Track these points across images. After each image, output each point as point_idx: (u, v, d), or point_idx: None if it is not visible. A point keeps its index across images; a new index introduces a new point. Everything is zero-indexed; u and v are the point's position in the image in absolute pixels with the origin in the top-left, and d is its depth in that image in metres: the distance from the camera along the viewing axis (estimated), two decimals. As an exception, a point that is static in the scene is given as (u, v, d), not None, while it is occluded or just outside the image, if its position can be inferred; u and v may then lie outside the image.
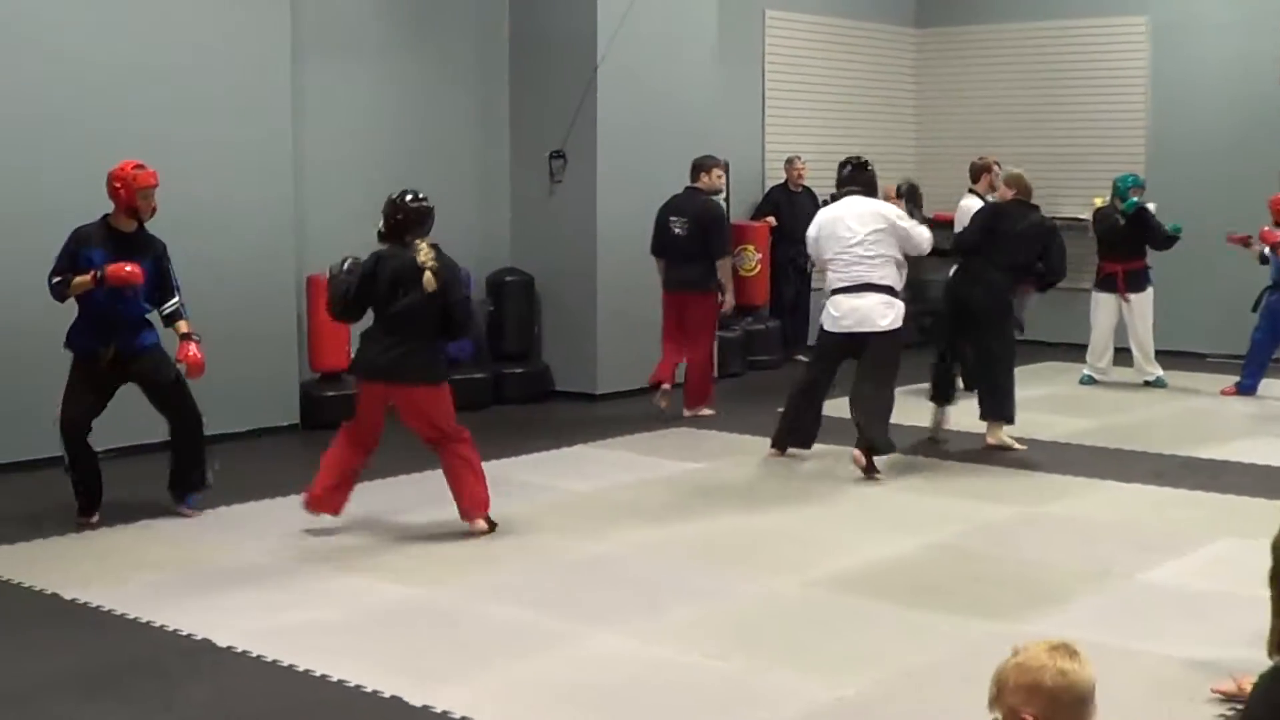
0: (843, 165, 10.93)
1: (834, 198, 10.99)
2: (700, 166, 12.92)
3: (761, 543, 8.70)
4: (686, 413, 12.84)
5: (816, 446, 11.15)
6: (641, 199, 13.74)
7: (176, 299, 9.13)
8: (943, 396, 11.52)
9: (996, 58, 18.17)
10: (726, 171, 13.85)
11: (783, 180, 16.48)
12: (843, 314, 10.39)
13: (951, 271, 11.87)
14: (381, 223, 9.09)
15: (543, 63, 13.83)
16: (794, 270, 16.28)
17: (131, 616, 7.20)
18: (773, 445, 11.08)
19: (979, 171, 14.33)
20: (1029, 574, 8.00)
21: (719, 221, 12.97)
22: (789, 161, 16.40)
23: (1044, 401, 13.32)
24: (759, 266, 15.91)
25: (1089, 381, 14.51)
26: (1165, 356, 14.68)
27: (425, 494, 9.74)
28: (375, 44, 13.04)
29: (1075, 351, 15.36)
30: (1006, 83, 18.04)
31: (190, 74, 11.41)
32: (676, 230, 12.75)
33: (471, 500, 8.85)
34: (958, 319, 11.31)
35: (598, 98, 13.55)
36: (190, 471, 9.27)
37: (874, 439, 10.34)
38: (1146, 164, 16.63)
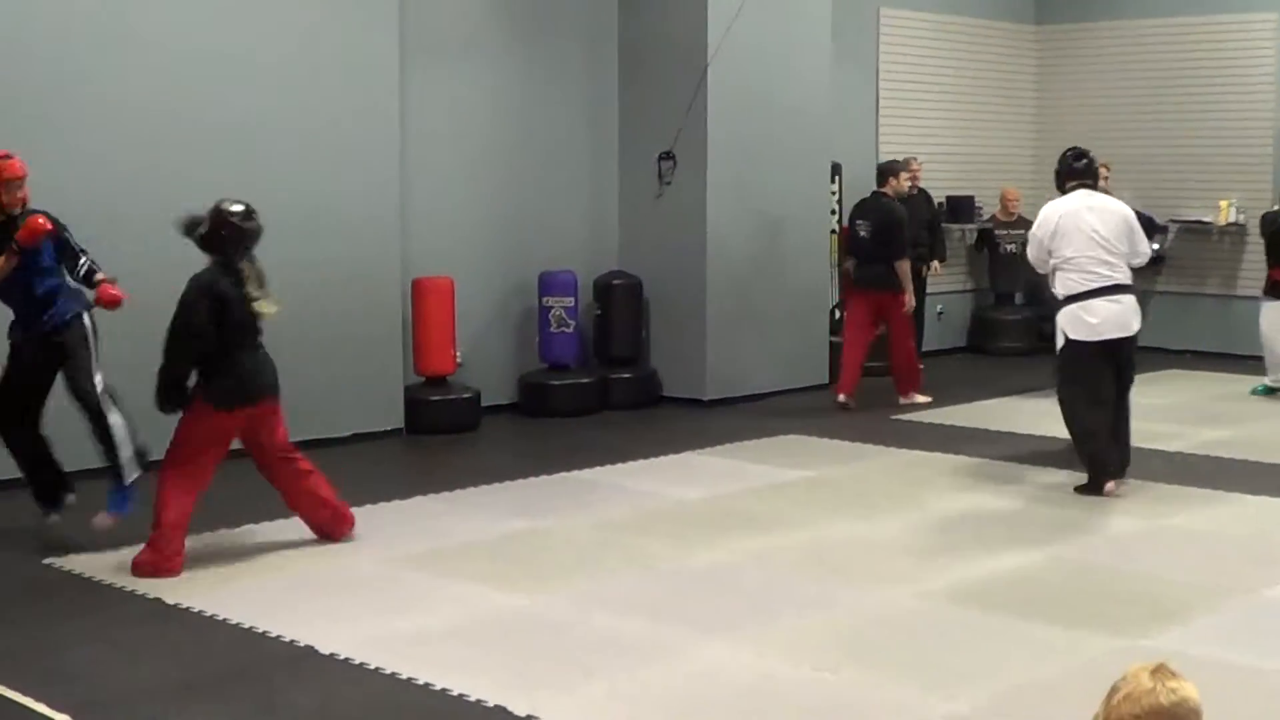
0: (1077, 157, 10.31)
1: (1065, 190, 10.27)
2: (887, 171, 13.93)
3: (874, 552, 8.63)
4: (902, 400, 13.67)
5: (919, 453, 11.23)
6: (751, 201, 13.84)
7: (85, 259, 8.69)
8: None
9: (1119, 55, 17.91)
10: (839, 174, 13.82)
11: None
12: (1101, 320, 9.76)
13: None
14: (204, 227, 8.29)
15: (652, 64, 13.83)
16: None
17: (234, 622, 7.24)
18: (1105, 477, 9.95)
19: None
20: (1150, 588, 7.86)
21: (899, 225, 13.59)
22: (905, 163, 16.12)
23: (1171, 411, 13.12)
24: None
25: (1265, 392, 13.88)
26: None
27: (524, 501, 9.82)
28: (484, 45, 13.08)
29: (1203, 360, 15.16)
30: (1129, 81, 17.78)
31: (299, 73, 11.53)
32: (861, 233, 13.61)
33: (343, 507, 8.86)
34: None
35: (708, 99, 13.51)
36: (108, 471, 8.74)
37: (1126, 459, 10.16)
38: (1274, 166, 16.39)
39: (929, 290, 16.44)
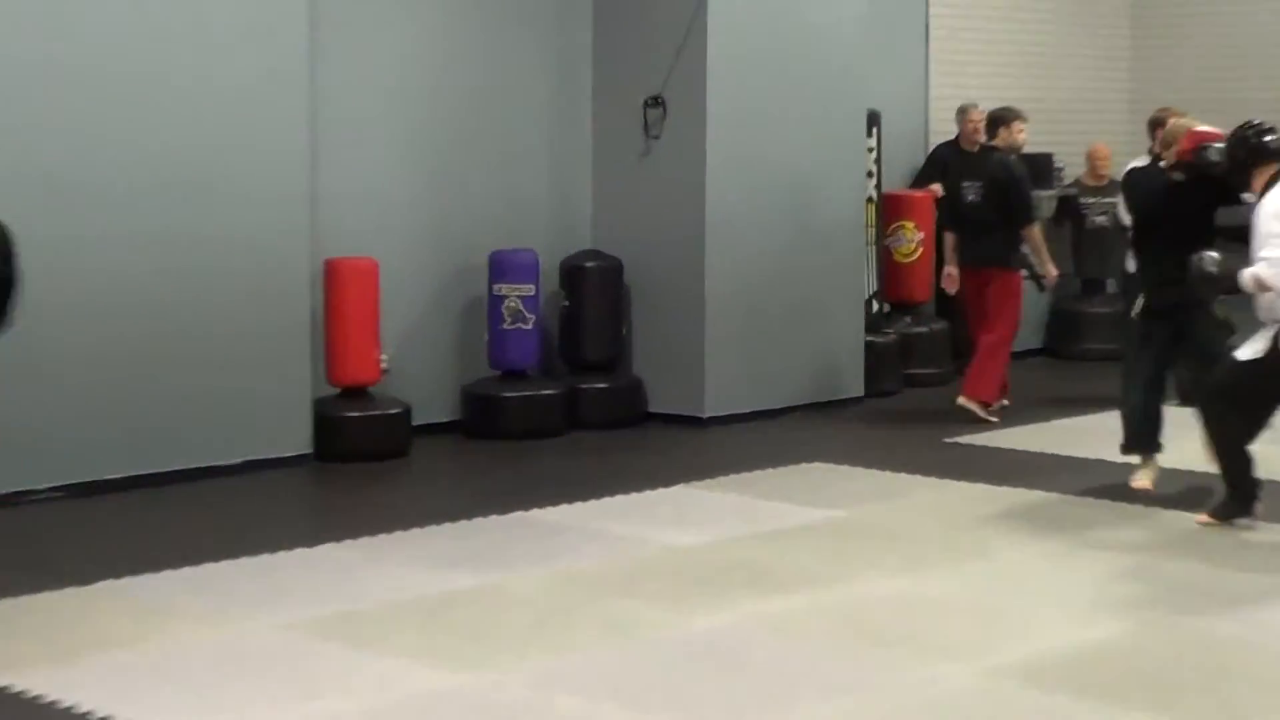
0: (1276, 136, 10.16)
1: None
2: (999, 120, 14.24)
3: (925, 618, 8.56)
4: (961, 401, 13.84)
5: (980, 486, 11.48)
6: (764, 159, 13.93)
7: None
8: None
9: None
10: (878, 125, 13.87)
11: (953, 136, 16.44)
12: None
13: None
14: None
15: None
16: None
17: (84, 710, 7.10)
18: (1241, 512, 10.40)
19: None
20: (1252, 667, 7.81)
21: (1019, 182, 14.12)
22: (962, 111, 16.33)
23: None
24: (920, 249, 15.96)
25: None
26: None
27: (468, 550, 9.85)
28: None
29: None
30: (1252, 14, 17.93)
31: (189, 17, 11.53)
32: (970, 197, 13.92)
33: None
34: None
35: (708, 28, 13.54)
36: None
37: None
38: None
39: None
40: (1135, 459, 11.37)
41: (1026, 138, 14.55)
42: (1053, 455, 12.63)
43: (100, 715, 7.02)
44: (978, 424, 13.69)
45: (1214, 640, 8.17)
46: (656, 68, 13.71)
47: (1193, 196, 10.82)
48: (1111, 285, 17.61)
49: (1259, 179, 9.96)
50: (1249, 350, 9.95)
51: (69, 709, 7.11)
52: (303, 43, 12.07)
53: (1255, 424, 10.20)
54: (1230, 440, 10.21)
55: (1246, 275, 9.66)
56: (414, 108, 13.13)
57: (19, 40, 10.78)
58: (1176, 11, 18.38)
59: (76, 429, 10.85)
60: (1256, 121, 10.20)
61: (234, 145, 11.69)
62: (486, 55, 13.51)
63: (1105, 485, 11.47)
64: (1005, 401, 14.23)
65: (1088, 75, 18.30)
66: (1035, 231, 14.18)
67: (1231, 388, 10.13)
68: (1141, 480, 11.28)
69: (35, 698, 7.27)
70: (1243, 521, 10.15)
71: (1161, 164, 11.33)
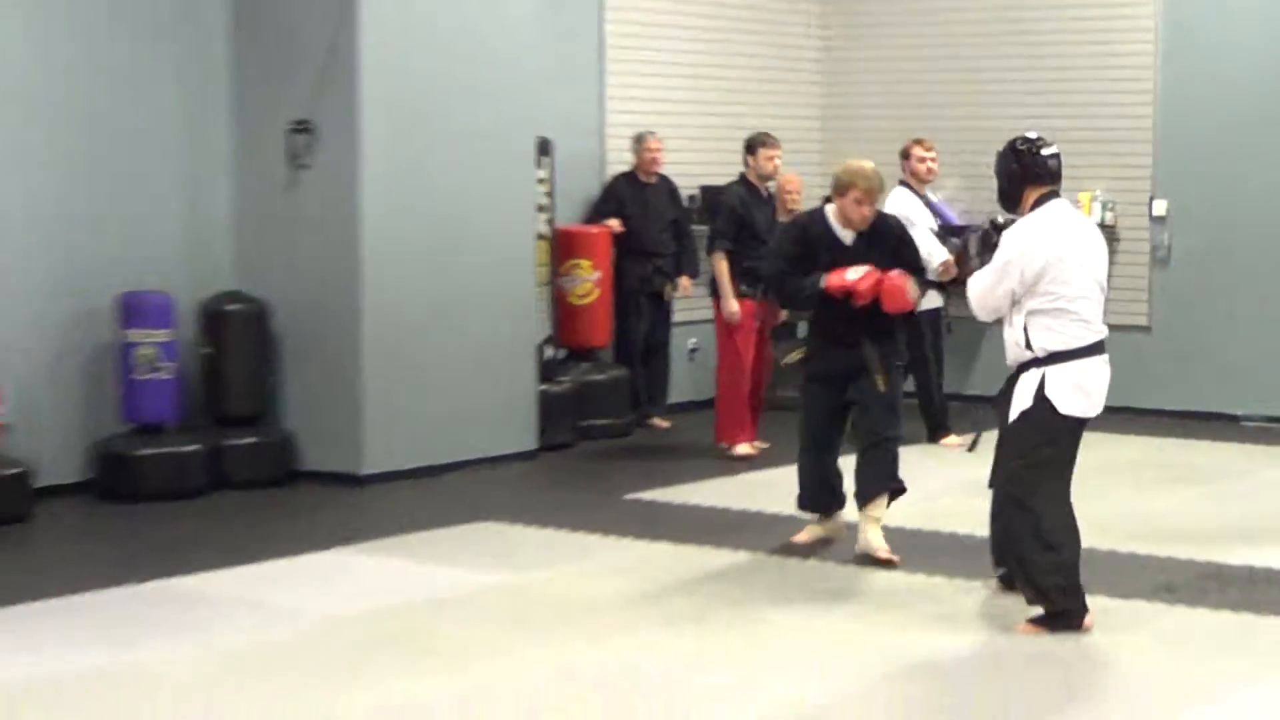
0: (1052, 153, 9.93)
1: (1040, 201, 9.94)
2: (746, 146, 15.12)
3: (604, 696, 8.54)
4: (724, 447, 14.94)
5: (665, 545, 11.59)
6: (423, 188, 13.92)
7: None
8: None
9: (939, 3, 18.51)
10: (550, 153, 13.99)
11: (630, 167, 16.54)
12: (1099, 390, 9.64)
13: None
14: None
15: (277, -4, 13.92)
16: (647, 297, 16.38)
17: None
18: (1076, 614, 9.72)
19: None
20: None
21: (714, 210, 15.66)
22: (639, 139, 16.45)
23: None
24: (598, 291, 16.03)
25: None
26: (1188, 420, 14.90)
27: (102, 624, 9.73)
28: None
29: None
30: (951, 35, 18.39)
31: None
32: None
33: None
34: None
35: (359, 43, 13.51)
36: None
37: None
38: (1154, 150, 16.95)
39: (675, 318, 16.63)
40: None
41: (777, 166, 14.95)
42: (748, 512, 12.72)
43: None
44: (655, 481, 13.82)
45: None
46: (302, 87, 13.69)
47: None
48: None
49: (1029, 198, 9.82)
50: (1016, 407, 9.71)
51: None
52: None
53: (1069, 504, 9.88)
54: (1050, 533, 9.66)
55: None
56: (28, 127, 12.91)
57: None
58: (873, 36, 18.64)
59: None
60: (1034, 137, 10.02)
61: None
62: (110, 76, 13.36)
63: (786, 542, 11.62)
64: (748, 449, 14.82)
65: (778, 96, 18.43)
66: (716, 260, 14.64)
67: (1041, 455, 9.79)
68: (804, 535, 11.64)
69: None
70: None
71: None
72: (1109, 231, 16.92)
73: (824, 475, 11.50)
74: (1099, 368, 9.59)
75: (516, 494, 13.38)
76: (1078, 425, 9.61)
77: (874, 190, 11.22)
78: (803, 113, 18.85)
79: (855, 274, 10.77)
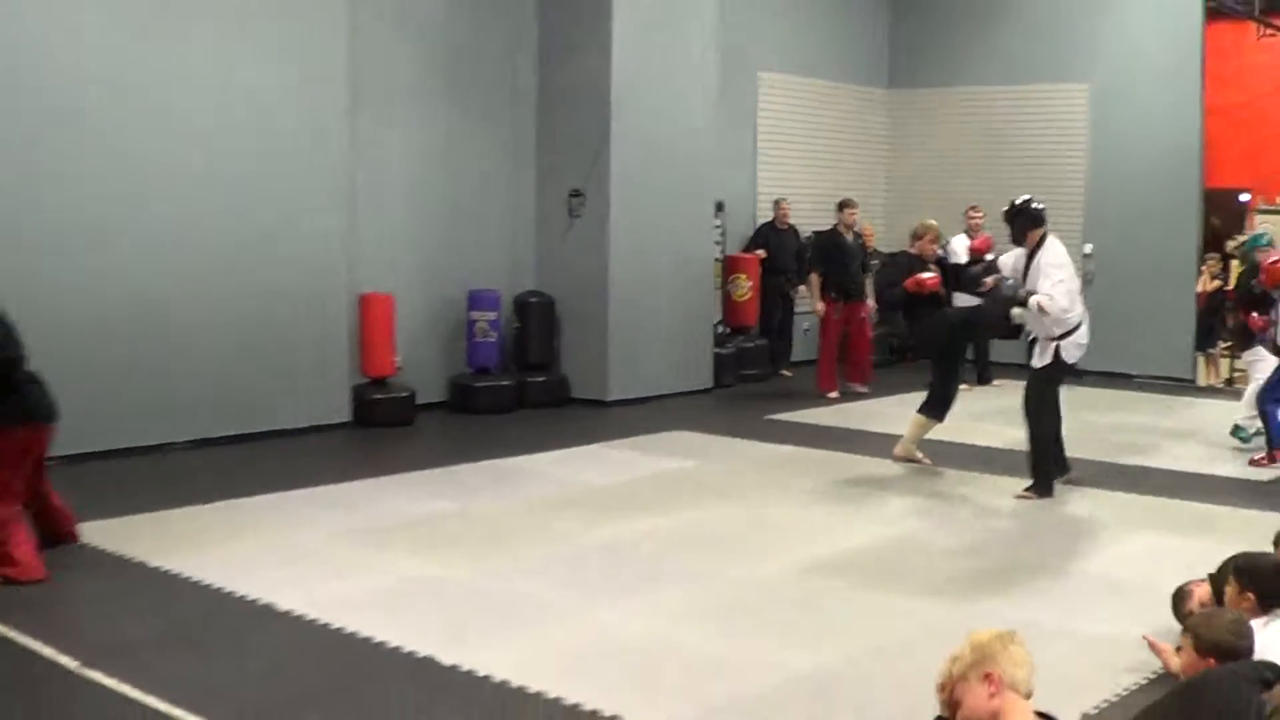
0: (1041, 207, 9.99)
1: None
2: (839, 205, 14.71)
3: (747, 531, 8.68)
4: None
5: (788, 447, 11.41)
6: (647, 232, 13.89)
7: None
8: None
9: (956, 115, 18.16)
10: (722, 210, 13.94)
11: (771, 219, 16.44)
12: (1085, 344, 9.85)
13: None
14: None
15: (565, 113, 13.81)
16: (780, 296, 16.28)
17: (207, 583, 7.26)
18: (1051, 479, 9.81)
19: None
20: (985, 563, 8.01)
21: (805, 249, 15.71)
22: (776, 203, 16.37)
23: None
24: (750, 293, 15.88)
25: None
26: (1101, 377, 14.81)
27: (451, 486, 9.84)
28: (421, 96, 13.01)
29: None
30: (966, 138, 18.04)
31: (263, 120, 11.43)
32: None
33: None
34: None
35: (611, 143, 13.52)
36: None
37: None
38: (1084, 210, 16.77)
39: (797, 310, 16.60)
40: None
41: (857, 219, 14.70)
42: (844, 428, 12.59)
43: (216, 586, 7.19)
44: (783, 408, 13.71)
45: (934, 546, 8.37)
46: (578, 170, 13.60)
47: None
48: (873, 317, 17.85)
49: (1031, 238, 9.77)
50: (1038, 360, 9.74)
51: (198, 581, 7.29)
52: (344, 153, 12.03)
53: (1056, 415, 9.86)
54: (1048, 425, 9.81)
55: (1033, 301, 9.50)
56: (416, 189, 12.95)
57: (146, 148, 10.75)
58: (917, 135, 18.44)
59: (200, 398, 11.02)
60: (1027, 197, 9.96)
61: (292, 215, 11.66)
62: (466, 158, 13.32)
63: (871, 448, 11.48)
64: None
65: (859, 177, 18.14)
66: (812, 278, 14.58)
67: (1035, 391, 9.83)
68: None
69: (176, 574, 7.42)
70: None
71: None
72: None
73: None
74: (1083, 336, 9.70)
75: (699, 414, 13.22)
76: (1071, 368, 9.78)
77: (938, 236, 11.12)
78: (874, 182, 18.69)
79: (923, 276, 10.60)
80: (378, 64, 12.54)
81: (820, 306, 14.46)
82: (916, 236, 11.04)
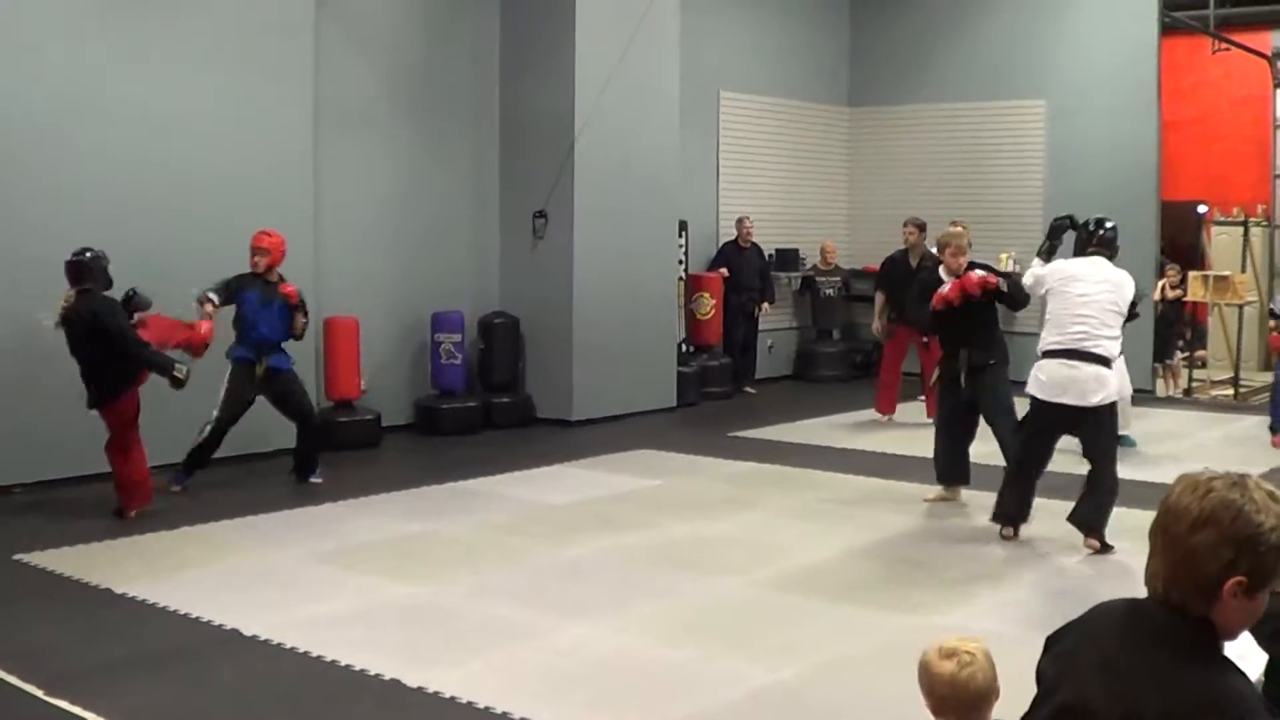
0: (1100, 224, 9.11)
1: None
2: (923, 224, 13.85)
3: (711, 548, 8.69)
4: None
5: (750, 464, 11.40)
6: (611, 252, 13.90)
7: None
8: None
9: (917, 133, 18.27)
10: (686, 229, 13.89)
11: (734, 237, 16.47)
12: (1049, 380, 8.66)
13: None
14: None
15: (528, 135, 13.83)
16: (742, 315, 16.31)
17: (172, 609, 7.23)
18: (997, 520, 9.08)
19: None
20: (942, 574, 8.06)
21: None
22: (739, 221, 16.41)
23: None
24: (713, 311, 15.92)
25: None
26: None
27: (417, 507, 9.83)
28: (384, 120, 13.04)
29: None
30: (925, 154, 18.14)
31: (226, 144, 11.43)
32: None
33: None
34: None
35: (574, 165, 13.54)
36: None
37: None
38: (1043, 224, 16.82)
39: (760, 328, 16.66)
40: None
41: (914, 238, 13.75)
42: (798, 444, 12.62)
43: (182, 612, 7.16)
44: (746, 425, 13.69)
45: (896, 559, 8.43)
46: (542, 191, 13.61)
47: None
48: (836, 334, 17.95)
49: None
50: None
51: (164, 607, 7.27)
52: (309, 176, 12.02)
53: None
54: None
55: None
56: (380, 212, 12.98)
57: (123, 160, 10.75)
58: (877, 153, 18.49)
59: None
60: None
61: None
62: (430, 178, 13.37)
63: (834, 463, 11.50)
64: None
65: (822, 195, 18.30)
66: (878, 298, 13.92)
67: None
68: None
69: (142, 600, 7.39)
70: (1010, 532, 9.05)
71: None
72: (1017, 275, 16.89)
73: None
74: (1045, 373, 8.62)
75: (663, 433, 13.22)
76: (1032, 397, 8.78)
77: (962, 248, 9.76)
78: (836, 199, 18.72)
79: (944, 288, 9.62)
80: (342, 88, 12.56)
81: (876, 325, 13.94)
82: (940, 248, 10.01)
